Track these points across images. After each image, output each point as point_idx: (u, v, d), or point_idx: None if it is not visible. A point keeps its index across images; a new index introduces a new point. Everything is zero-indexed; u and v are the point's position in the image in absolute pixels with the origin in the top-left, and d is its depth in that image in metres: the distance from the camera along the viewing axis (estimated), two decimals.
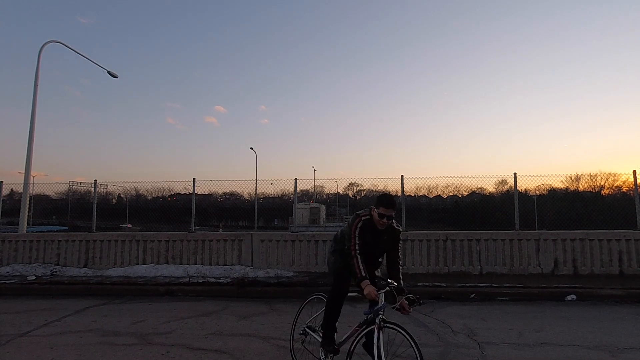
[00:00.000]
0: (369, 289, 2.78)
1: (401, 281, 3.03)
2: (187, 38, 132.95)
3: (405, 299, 2.77)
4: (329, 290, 3.24)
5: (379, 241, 3.10)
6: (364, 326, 2.88)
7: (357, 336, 2.87)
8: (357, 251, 2.98)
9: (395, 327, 2.70)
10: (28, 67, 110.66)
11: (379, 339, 2.66)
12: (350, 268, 2.99)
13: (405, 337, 2.60)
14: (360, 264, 2.92)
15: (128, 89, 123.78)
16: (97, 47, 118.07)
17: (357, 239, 3.02)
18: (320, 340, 3.26)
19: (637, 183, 8.18)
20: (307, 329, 3.51)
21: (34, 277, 8.21)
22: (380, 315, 2.73)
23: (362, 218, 3.08)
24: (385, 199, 2.98)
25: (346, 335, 3.07)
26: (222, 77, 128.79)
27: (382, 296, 2.77)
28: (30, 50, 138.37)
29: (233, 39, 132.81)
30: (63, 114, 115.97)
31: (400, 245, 3.22)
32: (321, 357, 3.18)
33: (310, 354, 3.44)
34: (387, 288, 2.78)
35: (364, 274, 2.87)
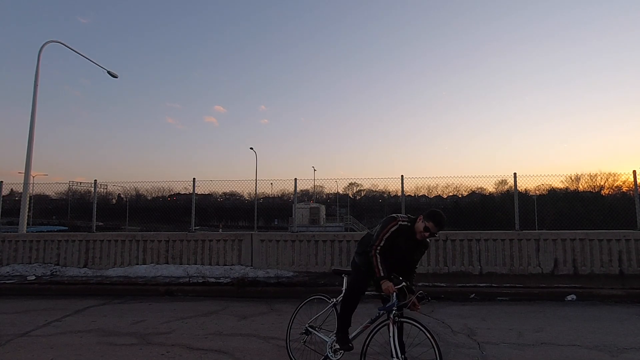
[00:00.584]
0: (387, 284, 2.82)
1: (413, 281, 3.10)
2: (187, 38, 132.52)
3: (415, 296, 2.85)
4: (349, 283, 3.30)
5: (414, 249, 3.07)
6: (376, 322, 2.94)
7: (369, 334, 2.92)
8: (378, 251, 2.96)
9: (410, 320, 2.79)
10: (28, 67, 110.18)
11: (394, 333, 2.74)
12: (370, 266, 2.99)
13: (421, 329, 2.69)
14: (379, 263, 2.92)
15: (128, 89, 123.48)
16: (97, 47, 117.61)
17: (383, 240, 2.98)
18: (325, 339, 3.30)
19: (637, 183, 8.17)
20: (309, 328, 3.52)
21: (33, 277, 8.21)
22: (394, 311, 2.78)
23: (400, 222, 3.00)
24: (439, 218, 2.88)
25: (356, 332, 3.12)
26: (222, 77, 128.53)
27: (395, 293, 2.83)
28: (30, 50, 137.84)
29: (233, 39, 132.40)
30: (63, 114, 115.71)
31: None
32: (329, 355, 3.20)
33: (314, 352, 3.46)
34: (403, 284, 2.84)
35: (382, 274, 2.88)
